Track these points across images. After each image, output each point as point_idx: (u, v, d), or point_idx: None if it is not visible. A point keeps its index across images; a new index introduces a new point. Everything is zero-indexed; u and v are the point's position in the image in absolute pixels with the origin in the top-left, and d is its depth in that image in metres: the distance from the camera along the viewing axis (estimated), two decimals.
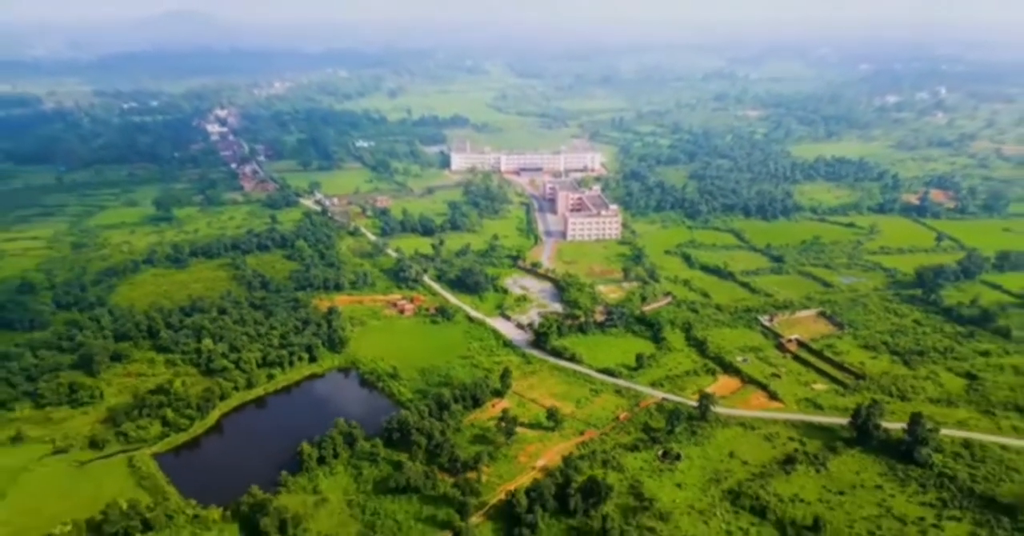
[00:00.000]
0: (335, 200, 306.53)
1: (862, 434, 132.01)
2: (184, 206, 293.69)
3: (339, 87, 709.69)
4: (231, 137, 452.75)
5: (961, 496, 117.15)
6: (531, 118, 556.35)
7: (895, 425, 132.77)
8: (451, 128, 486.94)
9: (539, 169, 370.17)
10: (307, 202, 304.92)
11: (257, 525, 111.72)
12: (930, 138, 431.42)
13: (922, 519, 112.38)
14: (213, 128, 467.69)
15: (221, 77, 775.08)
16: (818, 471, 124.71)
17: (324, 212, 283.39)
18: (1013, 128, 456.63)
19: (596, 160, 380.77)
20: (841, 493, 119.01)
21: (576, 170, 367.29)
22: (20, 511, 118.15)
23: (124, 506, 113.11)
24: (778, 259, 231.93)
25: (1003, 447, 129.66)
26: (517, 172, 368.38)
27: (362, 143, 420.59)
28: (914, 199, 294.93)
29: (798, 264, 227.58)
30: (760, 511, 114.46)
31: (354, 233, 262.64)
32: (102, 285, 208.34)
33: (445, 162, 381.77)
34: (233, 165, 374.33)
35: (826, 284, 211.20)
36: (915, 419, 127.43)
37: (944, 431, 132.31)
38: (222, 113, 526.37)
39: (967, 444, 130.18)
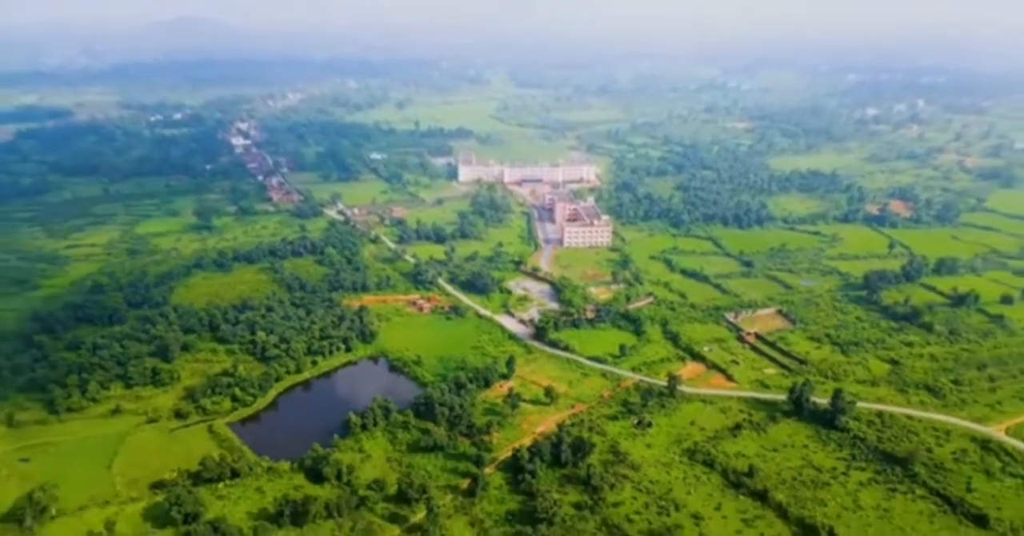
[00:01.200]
0: (355, 210, 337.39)
1: (797, 407, 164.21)
2: (221, 216, 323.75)
3: (349, 98, 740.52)
4: (255, 149, 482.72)
5: (868, 452, 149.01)
6: (531, 129, 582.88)
7: (824, 400, 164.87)
8: (457, 139, 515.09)
9: (539, 180, 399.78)
10: (330, 212, 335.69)
11: (320, 473, 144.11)
12: (901, 151, 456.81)
13: (834, 469, 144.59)
14: (237, 141, 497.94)
15: (235, 87, 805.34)
16: (759, 435, 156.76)
17: (347, 221, 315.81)
18: (979, 141, 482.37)
19: (591, 172, 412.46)
20: (774, 450, 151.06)
21: (573, 181, 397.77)
22: (131, 465, 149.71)
23: (217, 458, 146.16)
24: (748, 264, 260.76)
25: (909, 417, 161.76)
26: (519, 183, 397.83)
27: (376, 155, 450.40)
28: (875, 209, 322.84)
29: (765, 268, 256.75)
30: (710, 463, 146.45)
31: (375, 241, 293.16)
32: (162, 286, 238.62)
33: (452, 173, 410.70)
34: (260, 177, 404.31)
35: (787, 286, 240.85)
36: (837, 394, 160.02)
37: (863, 404, 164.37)
38: (244, 126, 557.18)
39: (880, 414, 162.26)
